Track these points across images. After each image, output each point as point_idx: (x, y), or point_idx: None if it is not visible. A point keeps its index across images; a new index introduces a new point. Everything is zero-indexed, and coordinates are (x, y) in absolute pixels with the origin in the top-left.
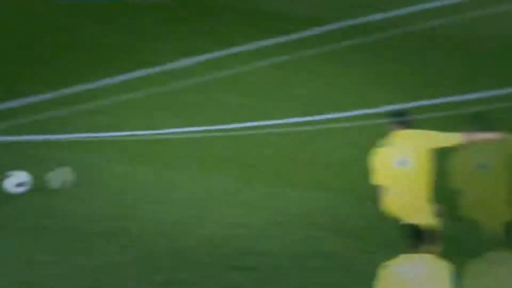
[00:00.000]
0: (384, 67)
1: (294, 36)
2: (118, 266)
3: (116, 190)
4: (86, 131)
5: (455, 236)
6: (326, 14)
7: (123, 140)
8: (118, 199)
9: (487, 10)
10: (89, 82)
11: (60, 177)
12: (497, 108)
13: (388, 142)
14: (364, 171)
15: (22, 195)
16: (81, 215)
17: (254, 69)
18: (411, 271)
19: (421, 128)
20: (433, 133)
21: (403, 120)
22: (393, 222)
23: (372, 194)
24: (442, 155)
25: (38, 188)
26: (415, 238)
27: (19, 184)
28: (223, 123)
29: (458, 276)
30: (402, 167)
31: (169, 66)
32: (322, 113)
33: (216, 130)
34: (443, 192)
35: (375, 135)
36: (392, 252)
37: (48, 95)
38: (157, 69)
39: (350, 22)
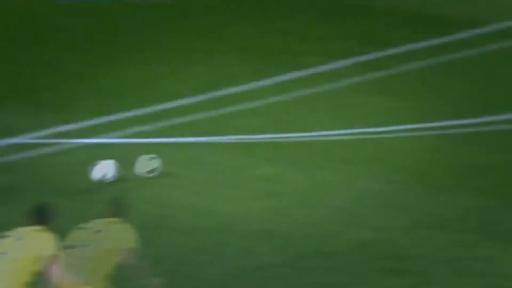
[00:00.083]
0: None
1: (448, 39)
2: (269, 268)
3: (266, 192)
4: (237, 133)
5: None
6: (486, 17)
7: (274, 142)
8: (269, 201)
9: None
10: (243, 84)
11: (146, 166)
12: None
13: None
14: None
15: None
16: (230, 215)
17: (407, 71)
18: None
19: None
20: None
21: None
22: None
23: None
24: None
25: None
26: None
27: (151, 171)
28: (375, 126)
29: None
30: None
31: (321, 68)
32: (473, 116)
33: (368, 133)
34: None
35: None
36: None
37: (202, 97)
38: (310, 71)
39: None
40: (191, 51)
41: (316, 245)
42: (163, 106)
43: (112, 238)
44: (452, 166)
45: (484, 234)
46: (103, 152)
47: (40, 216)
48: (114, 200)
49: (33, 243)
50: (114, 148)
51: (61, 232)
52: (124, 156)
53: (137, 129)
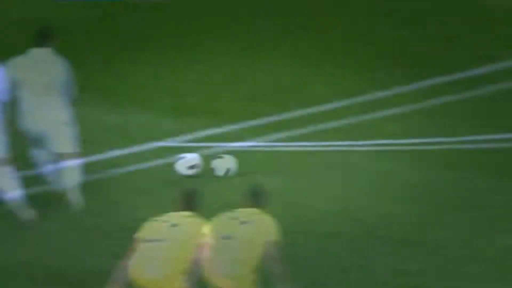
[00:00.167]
0: None
1: None
2: (415, 274)
3: (411, 197)
4: (381, 138)
5: None
6: None
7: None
8: (414, 206)
9: None
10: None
11: (224, 165)
12: None
13: None
14: None
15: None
16: (376, 220)
17: None
18: None
19: None
20: None
21: None
22: None
23: None
24: None
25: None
26: None
27: (191, 167)
28: None
29: None
30: None
31: (469, 72)
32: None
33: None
34: None
35: None
36: None
37: (347, 101)
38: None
39: None
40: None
41: (469, 250)
42: (308, 110)
43: (257, 230)
44: None
45: None
46: (244, 157)
47: (190, 202)
48: (253, 190)
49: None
50: (254, 154)
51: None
52: (269, 162)
53: (279, 134)
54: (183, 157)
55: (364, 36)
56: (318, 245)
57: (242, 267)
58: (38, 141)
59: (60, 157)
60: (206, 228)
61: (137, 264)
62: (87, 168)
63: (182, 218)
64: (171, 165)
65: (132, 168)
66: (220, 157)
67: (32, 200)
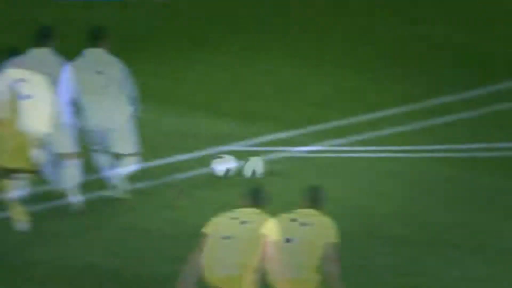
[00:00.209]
0: None
1: None
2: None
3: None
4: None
5: None
6: None
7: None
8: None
9: None
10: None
11: (252, 167)
12: None
13: None
14: None
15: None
16: (444, 226)
17: None
18: None
19: None
20: None
21: None
22: None
23: None
24: None
25: None
26: None
27: (229, 169)
28: None
29: None
30: None
31: None
32: None
33: None
34: None
35: None
36: None
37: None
38: None
39: None
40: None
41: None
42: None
43: (317, 232)
44: None
45: None
46: (305, 162)
47: (256, 199)
48: (311, 191)
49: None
50: (316, 159)
51: None
52: (330, 167)
53: (346, 139)
54: (222, 157)
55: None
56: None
57: (306, 271)
58: (99, 143)
59: (116, 157)
60: (271, 226)
61: (209, 261)
62: (149, 173)
63: (251, 215)
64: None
65: (194, 172)
66: (220, 157)
67: (94, 203)
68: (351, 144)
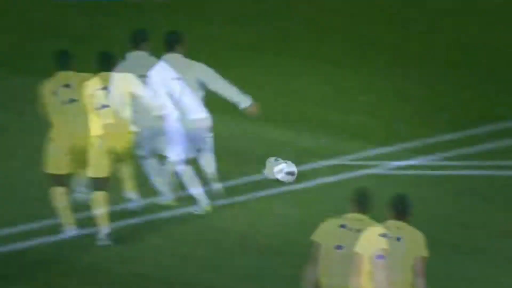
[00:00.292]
0: None
1: None
2: None
3: None
4: None
5: None
6: None
7: None
8: None
9: None
10: None
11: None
12: None
13: None
14: None
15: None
16: None
17: None
18: None
19: None
20: None
21: None
22: None
23: None
24: None
25: None
26: None
27: (289, 173)
28: None
29: None
30: None
31: None
32: None
33: None
34: None
35: None
36: None
37: None
38: None
39: None
40: None
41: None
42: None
43: (409, 246)
44: None
45: None
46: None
47: (363, 203)
48: (398, 200)
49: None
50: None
51: None
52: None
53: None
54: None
55: None
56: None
57: (402, 285)
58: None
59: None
60: (365, 241)
61: (324, 272)
62: (234, 189)
63: (359, 222)
64: (342, 184)
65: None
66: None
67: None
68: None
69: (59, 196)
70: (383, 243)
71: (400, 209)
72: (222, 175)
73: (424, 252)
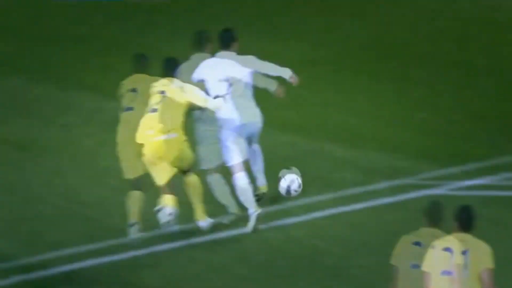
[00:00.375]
0: None
1: None
2: None
3: None
4: None
5: None
6: None
7: None
8: None
9: None
10: None
11: (287, 183)
12: None
13: None
14: None
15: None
16: None
17: None
18: None
19: None
20: None
21: None
22: None
23: None
24: None
25: None
26: None
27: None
28: None
29: None
30: None
31: None
32: None
33: None
34: None
35: None
36: None
37: None
38: None
39: None
40: None
41: None
42: None
43: (475, 259)
44: None
45: None
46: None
47: (435, 216)
48: (463, 212)
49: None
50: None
51: None
52: None
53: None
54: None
55: None
56: None
57: None
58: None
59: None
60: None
61: None
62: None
63: (431, 237)
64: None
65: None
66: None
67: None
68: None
69: (133, 200)
70: (448, 258)
71: (465, 221)
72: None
73: (490, 264)
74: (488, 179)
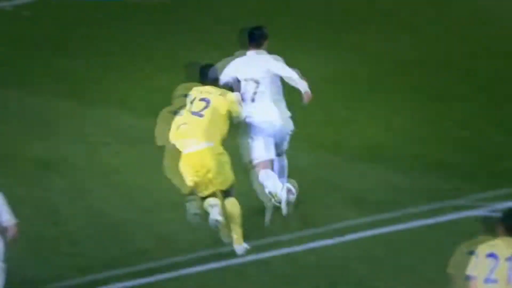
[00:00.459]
0: None
1: None
2: None
3: None
4: None
5: None
6: None
7: None
8: None
9: None
10: None
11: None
12: None
13: None
14: None
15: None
16: None
17: None
18: None
19: None
20: None
21: None
22: None
23: None
24: None
25: None
26: None
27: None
28: None
29: None
30: None
31: None
32: None
33: None
34: None
35: None
36: None
37: None
38: None
39: None
40: None
41: None
42: None
43: None
44: None
45: None
46: None
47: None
48: (508, 217)
49: None
50: None
51: None
52: None
53: None
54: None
55: None
56: None
57: None
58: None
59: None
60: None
61: None
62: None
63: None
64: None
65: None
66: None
67: None
68: None
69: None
70: (492, 264)
71: (510, 225)
72: (331, 217)
73: None
74: None
